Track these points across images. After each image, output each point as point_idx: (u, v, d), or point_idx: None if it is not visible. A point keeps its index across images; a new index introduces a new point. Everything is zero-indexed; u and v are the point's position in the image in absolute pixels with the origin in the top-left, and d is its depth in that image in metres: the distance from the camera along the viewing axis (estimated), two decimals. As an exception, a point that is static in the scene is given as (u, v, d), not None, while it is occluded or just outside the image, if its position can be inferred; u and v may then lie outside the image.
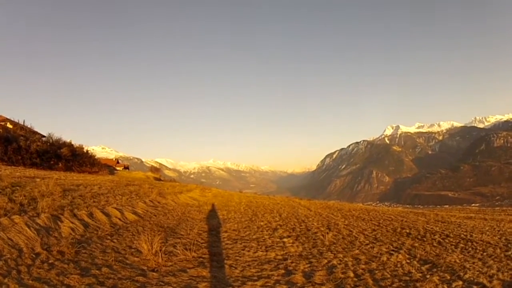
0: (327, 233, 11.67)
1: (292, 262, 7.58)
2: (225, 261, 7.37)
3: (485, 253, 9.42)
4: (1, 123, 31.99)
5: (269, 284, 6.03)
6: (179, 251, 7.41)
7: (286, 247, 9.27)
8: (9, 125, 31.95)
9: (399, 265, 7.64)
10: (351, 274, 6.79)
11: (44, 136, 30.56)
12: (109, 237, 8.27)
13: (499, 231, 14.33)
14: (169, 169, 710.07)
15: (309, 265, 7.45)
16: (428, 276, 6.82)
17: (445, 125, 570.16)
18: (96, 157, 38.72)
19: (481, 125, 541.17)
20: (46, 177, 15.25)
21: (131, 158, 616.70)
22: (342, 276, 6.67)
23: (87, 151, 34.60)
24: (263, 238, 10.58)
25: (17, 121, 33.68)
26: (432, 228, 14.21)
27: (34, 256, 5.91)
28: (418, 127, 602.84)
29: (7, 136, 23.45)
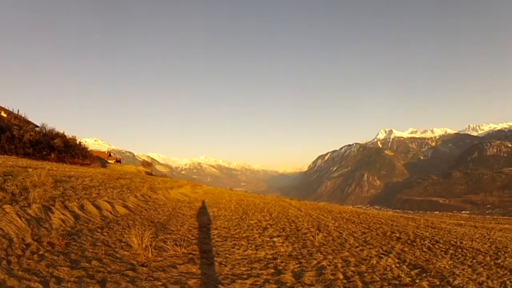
0: (317, 234, 11.71)
1: (281, 262, 7.59)
2: (215, 259, 7.37)
3: (474, 260, 9.53)
4: (-5, 112, 31.76)
5: (259, 283, 6.04)
6: (169, 247, 7.39)
7: (276, 247, 9.28)
8: (3, 114, 31.70)
9: (388, 269, 7.69)
10: (341, 276, 6.82)
11: (37, 126, 30.31)
12: (99, 230, 8.22)
13: (489, 239, 14.49)
14: (161, 164, 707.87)
15: (298, 265, 7.47)
16: (417, 281, 6.88)
17: (438, 132, 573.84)
18: (88, 149, 38.48)
19: (474, 133, 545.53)
20: (38, 167, 15.14)
21: (123, 151, 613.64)
22: (332, 277, 6.70)
23: (79, 143, 34.35)
24: (253, 236, 10.58)
25: (11, 110, 33.41)
26: (422, 233, 14.32)
27: (24, 246, 5.86)
28: (412, 132, 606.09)
29: (0, 125, 23.26)
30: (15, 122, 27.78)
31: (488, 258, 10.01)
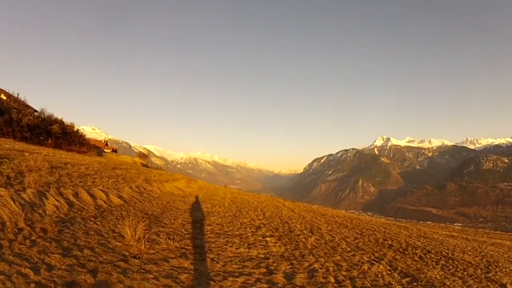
0: (310, 236, 11.70)
1: (273, 262, 7.57)
2: (207, 255, 7.34)
3: (465, 273, 9.55)
4: (-5, 94, 31.65)
5: (250, 282, 6.02)
6: (162, 240, 7.36)
7: (268, 246, 9.26)
8: (3, 96, 31.60)
9: (379, 276, 7.68)
10: (332, 280, 6.82)
11: (36, 111, 30.24)
12: (93, 219, 8.19)
13: (480, 252, 14.53)
14: (157, 156, 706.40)
15: (290, 266, 7.46)
16: (407, 290, 6.88)
17: (435, 142, 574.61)
18: (85, 137, 38.44)
19: (472, 146, 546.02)
20: (35, 152, 15.09)
21: (120, 141, 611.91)
22: (323, 280, 6.69)
23: (77, 130, 34.32)
24: (246, 235, 10.57)
25: (11, 93, 33.31)
26: (414, 242, 14.35)
27: (16, 231, 5.82)
28: (409, 141, 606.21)
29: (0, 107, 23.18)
30: (14, 105, 27.73)
31: (479, 271, 10.04)
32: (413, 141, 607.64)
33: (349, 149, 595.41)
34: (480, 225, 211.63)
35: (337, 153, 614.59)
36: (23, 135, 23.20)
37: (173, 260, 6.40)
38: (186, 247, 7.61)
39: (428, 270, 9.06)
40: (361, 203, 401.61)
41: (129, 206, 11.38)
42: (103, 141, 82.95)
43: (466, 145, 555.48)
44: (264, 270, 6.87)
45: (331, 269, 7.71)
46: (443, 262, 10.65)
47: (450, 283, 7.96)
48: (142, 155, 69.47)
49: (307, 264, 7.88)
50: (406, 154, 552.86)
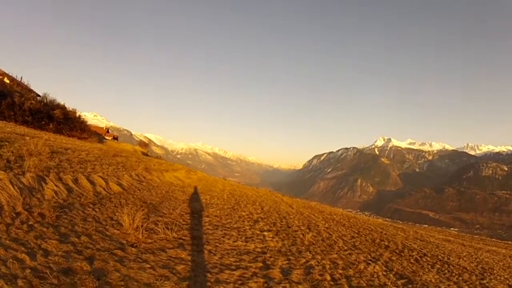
0: (307, 233, 11.69)
1: (270, 257, 7.57)
2: (205, 246, 7.34)
3: (460, 278, 9.55)
4: (-1, 76, 31.60)
5: (247, 276, 6.02)
6: (160, 230, 7.36)
7: (265, 241, 9.26)
8: (6, 80, 31.55)
9: (375, 276, 7.68)
10: (328, 277, 6.81)
11: (39, 96, 30.21)
12: (91, 206, 8.18)
13: (476, 258, 14.55)
14: (157, 145, 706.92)
15: (287, 262, 7.45)
16: (403, 291, 6.88)
17: (436, 146, 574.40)
18: (87, 123, 38.42)
19: (472, 152, 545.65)
20: (35, 136, 15.07)
21: (121, 129, 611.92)
22: (319, 278, 6.68)
23: (79, 116, 34.28)
24: (244, 228, 10.57)
25: (15, 77, 33.27)
26: (410, 244, 14.35)
27: (14, 215, 5.81)
28: (410, 143, 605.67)
29: (2, 90, 23.17)
30: (17, 89, 27.68)
31: (474, 277, 10.04)
32: (414, 143, 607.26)
33: (350, 148, 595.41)
34: (476, 232, 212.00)
35: (338, 151, 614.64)
36: (25, 119, 23.17)
37: (170, 250, 6.40)
38: (184, 237, 7.61)
39: (424, 273, 9.06)
40: (358, 203, 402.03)
41: (128, 194, 11.37)
42: (104, 128, 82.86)
43: (466, 151, 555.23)
44: (261, 264, 6.87)
45: (327, 266, 7.70)
46: (438, 266, 10.65)
47: (445, 287, 7.96)
48: (142, 144, 69.41)
49: (303, 260, 7.87)
50: (407, 156, 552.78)
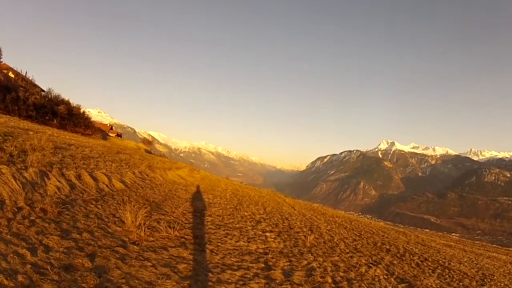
0: (309, 234, 11.65)
1: (272, 258, 7.55)
2: (207, 246, 7.31)
3: (461, 283, 9.50)
4: (4, 71, 31.69)
5: (248, 276, 5.99)
6: (162, 228, 7.33)
7: (267, 242, 9.24)
8: (11, 74, 31.66)
9: (376, 279, 7.64)
10: (329, 280, 6.78)
11: (43, 91, 30.26)
12: (94, 202, 8.16)
13: (477, 264, 14.48)
14: (160, 143, 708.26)
15: (289, 263, 7.43)
16: (404, 296, 6.83)
17: (439, 151, 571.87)
18: (91, 119, 38.49)
19: (475, 158, 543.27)
20: (39, 131, 15.09)
21: (125, 126, 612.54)
22: (321, 280, 6.65)
23: (83, 112, 34.31)
24: (246, 228, 10.54)
25: (20, 71, 33.37)
26: (412, 249, 14.29)
27: (16, 210, 5.78)
28: (413, 147, 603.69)
29: (7, 85, 23.20)
30: (22, 83, 27.74)
31: (474, 283, 9.99)
32: (418, 147, 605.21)
33: (353, 150, 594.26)
34: (477, 237, 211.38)
35: (341, 153, 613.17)
36: (29, 113, 23.20)
37: (172, 249, 6.37)
38: (186, 236, 7.58)
39: (425, 278, 9.00)
40: (360, 205, 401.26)
41: (131, 191, 11.36)
42: (108, 125, 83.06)
43: (469, 156, 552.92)
44: (263, 265, 6.84)
45: (329, 269, 7.67)
46: (439, 271, 10.59)
47: (447, 293, 7.92)
48: (146, 141, 69.57)
49: (305, 262, 7.85)
50: (410, 160, 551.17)
